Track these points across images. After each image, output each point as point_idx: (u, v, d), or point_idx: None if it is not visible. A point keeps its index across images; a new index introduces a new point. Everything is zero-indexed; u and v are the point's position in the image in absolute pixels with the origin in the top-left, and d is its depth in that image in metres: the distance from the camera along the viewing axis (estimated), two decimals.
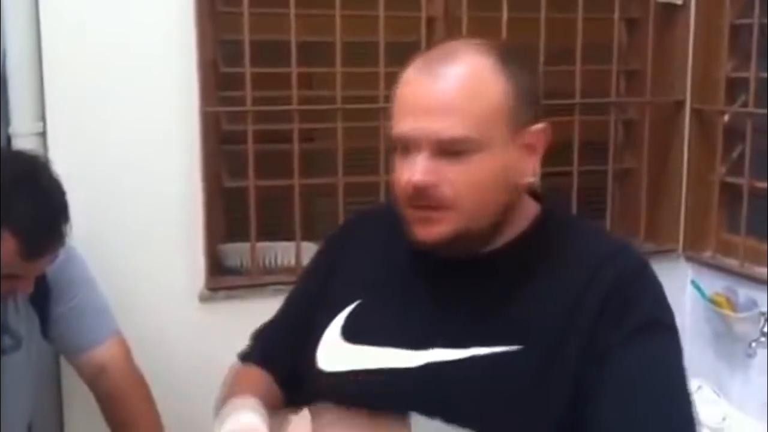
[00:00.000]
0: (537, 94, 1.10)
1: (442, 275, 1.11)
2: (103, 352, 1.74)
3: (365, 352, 1.11)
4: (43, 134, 1.93)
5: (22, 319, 1.64)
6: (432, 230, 1.06)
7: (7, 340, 1.62)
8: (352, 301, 1.16)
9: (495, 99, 1.05)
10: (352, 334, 1.14)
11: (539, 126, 1.09)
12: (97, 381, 1.75)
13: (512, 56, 1.08)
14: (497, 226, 1.09)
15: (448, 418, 1.04)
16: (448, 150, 1.04)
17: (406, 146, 1.06)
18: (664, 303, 1.10)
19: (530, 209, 1.15)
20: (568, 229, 1.15)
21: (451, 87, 1.04)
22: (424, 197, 1.05)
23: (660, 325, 1.08)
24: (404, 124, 1.06)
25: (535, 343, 1.04)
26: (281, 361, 1.27)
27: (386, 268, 1.18)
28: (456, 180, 1.04)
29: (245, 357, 1.35)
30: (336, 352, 1.14)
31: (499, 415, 1.03)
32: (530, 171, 1.09)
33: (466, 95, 1.04)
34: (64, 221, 1.50)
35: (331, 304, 1.18)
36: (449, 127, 1.03)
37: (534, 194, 1.16)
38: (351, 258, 1.24)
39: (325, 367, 1.14)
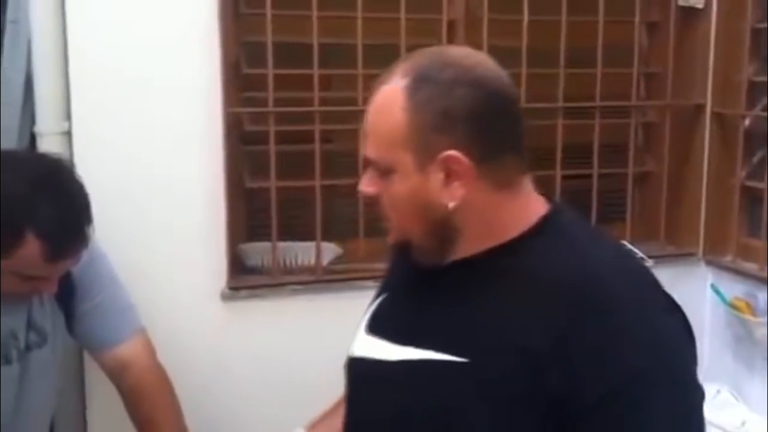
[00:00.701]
0: (456, 118, 1.03)
1: (423, 276, 1.15)
2: (128, 349, 1.76)
3: (372, 343, 1.18)
4: (68, 134, 1.95)
5: (47, 315, 1.66)
6: (389, 234, 1.14)
7: (33, 337, 1.64)
8: (381, 295, 1.25)
9: (397, 126, 1.04)
10: (371, 325, 1.21)
11: (448, 154, 1.03)
12: (121, 377, 1.77)
13: (430, 80, 1.04)
14: (445, 241, 1.09)
15: (393, 415, 1.10)
16: (381, 169, 1.08)
17: None
18: (649, 346, 0.98)
19: (523, 222, 1.09)
20: (555, 247, 1.07)
21: (371, 110, 1.09)
22: (373, 204, 1.11)
23: (643, 379, 0.96)
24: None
25: (481, 359, 1.02)
26: None
27: (402, 266, 1.22)
28: (383, 196, 1.09)
29: None
30: (359, 340, 1.21)
31: (429, 421, 1.06)
32: (452, 197, 1.05)
33: (374, 120, 1.09)
34: (87, 223, 1.52)
35: (375, 298, 1.27)
36: (366, 147, 1.09)
37: (549, 203, 1.13)
38: (399, 257, 1.26)
39: (352, 352, 1.22)
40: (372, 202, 1.11)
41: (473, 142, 1.03)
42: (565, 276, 1.02)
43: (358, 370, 1.21)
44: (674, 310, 1.07)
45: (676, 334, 1.04)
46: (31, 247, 1.44)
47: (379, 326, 1.19)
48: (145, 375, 1.76)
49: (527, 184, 1.11)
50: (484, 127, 1.04)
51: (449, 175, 1.04)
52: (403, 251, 1.18)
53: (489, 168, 1.05)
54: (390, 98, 1.05)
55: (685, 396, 1.00)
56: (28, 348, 1.63)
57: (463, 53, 1.10)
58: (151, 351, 1.80)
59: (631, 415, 0.96)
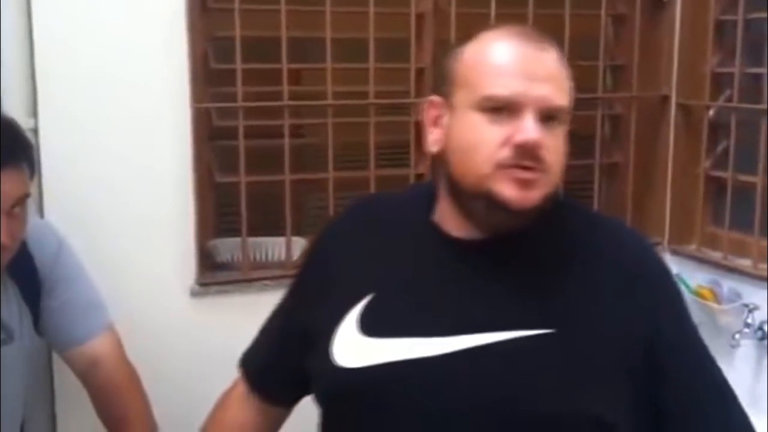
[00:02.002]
0: None
1: (462, 259, 1.13)
2: (96, 346, 1.75)
3: (390, 344, 1.10)
4: (35, 130, 1.93)
5: (14, 312, 1.64)
6: (530, 193, 1.07)
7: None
8: (363, 296, 1.15)
9: (571, 84, 1.13)
10: (372, 327, 1.13)
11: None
12: (89, 375, 1.76)
13: None
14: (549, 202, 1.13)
15: (482, 403, 1.05)
16: (546, 118, 1.08)
17: (505, 108, 1.07)
18: (682, 298, 1.20)
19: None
20: (584, 217, 1.22)
21: (557, 60, 1.10)
22: (533, 157, 1.06)
23: (687, 312, 1.18)
24: (513, 86, 1.07)
25: (566, 327, 1.07)
26: (269, 385, 1.34)
27: (396, 259, 1.18)
28: (551, 147, 1.08)
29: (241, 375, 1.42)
30: (356, 348, 1.13)
31: (533, 397, 1.05)
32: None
33: (565, 73, 1.11)
34: (21, 136, 1.47)
35: (338, 304, 1.17)
36: (558, 96, 1.08)
37: None
38: (350, 259, 1.23)
39: (344, 363, 1.13)
40: (530, 154, 1.06)
41: None
42: (607, 244, 1.15)
43: (393, 376, 1.09)
44: None
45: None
46: None
47: (390, 326, 1.12)
48: (114, 372, 1.75)
49: None
50: None
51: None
52: (369, 246, 1.19)
53: None
54: (563, 59, 1.12)
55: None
56: None
57: None
58: (120, 348, 1.78)
59: (694, 348, 1.16)
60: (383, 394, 1.10)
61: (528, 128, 1.05)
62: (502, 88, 1.07)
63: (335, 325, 1.15)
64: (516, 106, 1.06)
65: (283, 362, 1.31)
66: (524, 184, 1.06)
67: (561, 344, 1.06)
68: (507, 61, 1.09)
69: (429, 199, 1.20)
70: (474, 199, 1.10)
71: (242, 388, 1.40)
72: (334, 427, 1.19)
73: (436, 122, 1.15)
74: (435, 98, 1.16)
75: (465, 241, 1.14)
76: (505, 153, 1.06)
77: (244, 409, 1.39)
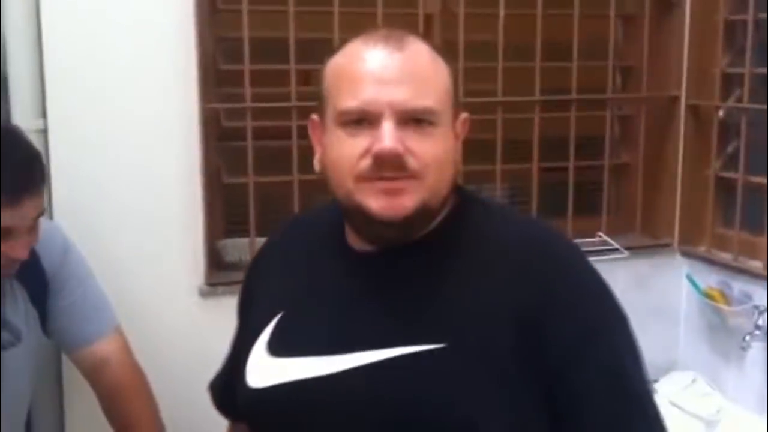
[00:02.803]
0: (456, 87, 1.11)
1: (360, 273, 1.09)
2: (103, 347, 1.75)
3: (289, 364, 1.09)
4: (44, 131, 1.94)
5: (21, 314, 1.65)
6: (397, 202, 1.02)
7: (6, 336, 1.63)
8: (275, 315, 1.14)
9: (447, 79, 1.08)
10: (276, 347, 1.12)
11: (465, 115, 1.12)
12: (96, 376, 1.76)
13: (438, 47, 1.11)
14: (440, 206, 1.09)
15: (372, 423, 1.02)
16: (412, 121, 1.02)
17: (363, 118, 1.03)
18: (604, 287, 1.09)
19: (451, 198, 1.12)
20: (487, 213, 1.14)
21: (417, 59, 1.04)
22: (393, 166, 1.01)
23: (610, 315, 1.08)
24: (363, 95, 1.02)
25: (459, 340, 1.02)
26: (233, 404, 1.28)
27: (305, 276, 1.16)
28: (419, 151, 1.02)
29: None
30: (262, 368, 1.12)
31: (424, 416, 1.01)
32: (459, 157, 1.11)
33: (431, 69, 1.05)
34: (37, 163, 1.49)
35: (256, 323, 1.16)
36: (418, 97, 1.02)
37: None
38: (269, 277, 1.22)
39: (252, 384, 1.12)
40: (388, 163, 1.01)
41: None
42: (513, 242, 1.08)
43: (287, 397, 1.08)
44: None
45: (599, 274, 1.11)
46: None
47: (292, 345, 1.10)
48: (121, 373, 1.76)
49: None
50: None
51: (457, 137, 1.10)
52: (284, 265, 1.17)
53: None
54: (432, 56, 1.06)
55: (628, 325, 1.09)
56: (2, 347, 1.62)
57: None
58: (127, 349, 1.79)
59: (606, 352, 1.05)
60: (281, 413, 1.09)
61: (382, 137, 1.00)
62: (353, 99, 1.03)
63: (251, 344, 1.15)
64: (372, 116, 1.02)
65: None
66: (389, 193, 1.02)
67: (449, 359, 1.01)
68: (358, 70, 1.04)
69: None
70: (350, 213, 1.07)
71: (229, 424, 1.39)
72: None
73: (318, 141, 1.12)
74: (314, 117, 1.14)
75: (362, 254, 1.10)
76: (365, 165, 1.02)
77: None
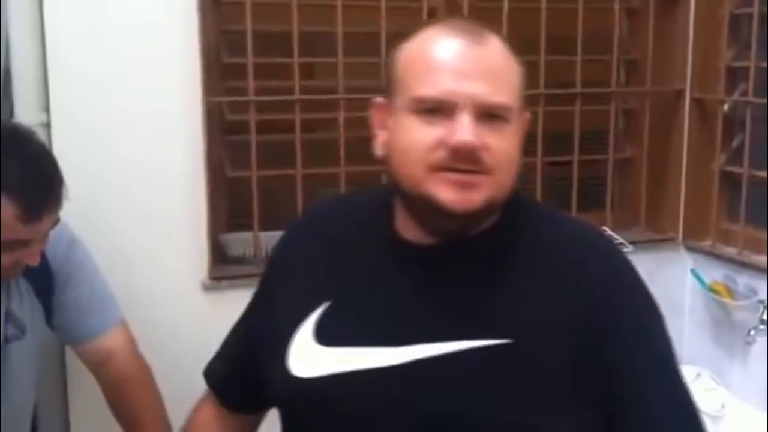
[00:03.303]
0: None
1: (416, 265, 1.09)
2: (108, 341, 1.75)
3: (344, 354, 1.07)
4: (47, 125, 1.93)
5: (26, 308, 1.65)
6: (469, 196, 1.02)
7: (10, 329, 1.63)
8: (320, 304, 1.12)
9: (519, 77, 1.07)
10: (327, 336, 1.10)
11: (528, 114, 1.11)
12: (102, 369, 1.76)
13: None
14: (499, 206, 1.08)
15: (435, 416, 1.01)
16: (487, 116, 1.02)
17: (439, 108, 1.02)
18: (646, 287, 1.12)
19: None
20: (541, 214, 1.16)
21: (495, 55, 1.04)
22: (469, 159, 1.01)
23: (656, 313, 1.10)
24: (441, 84, 1.01)
25: (524, 336, 1.02)
26: (230, 392, 1.32)
27: (354, 265, 1.14)
28: (494, 147, 1.02)
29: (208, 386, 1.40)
30: (311, 357, 1.10)
31: (490, 410, 1.00)
32: (521, 152, 1.10)
33: (508, 66, 1.05)
34: (58, 181, 1.49)
35: (295, 311, 1.14)
36: (496, 92, 1.02)
37: None
38: (304, 264, 1.20)
39: (301, 373, 1.10)
40: (465, 156, 1.00)
41: None
42: (568, 243, 1.10)
43: (345, 386, 1.06)
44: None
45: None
46: (4, 210, 1.40)
47: (345, 335, 1.08)
48: (126, 367, 1.76)
49: None
50: None
51: (523, 131, 1.10)
52: (328, 253, 1.15)
53: None
54: (507, 52, 1.06)
55: (666, 329, 1.12)
56: (6, 341, 1.62)
57: None
58: (132, 342, 1.79)
59: (660, 344, 1.09)
60: (335, 404, 1.07)
61: (461, 129, 1.00)
62: (431, 88, 1.02)
63: (291, 332, 1.12)
64: (449, 106, 1.01)
65: (242, 369, 1.29)
66: (462, 186, 1.02)
67: (516, 354, 1.02)
68: (437, 59, 1.03)
69: (389, 203, 1.15)
70: (416, 203, 1.06)
71: (210, 401, 1.38)
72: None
73: (382, 125, 1.10)
74: (379, 100, 1.12)
75: (419, 247, 1.10)
76: (440, 155, 1.01)
77: (213, 419, 1.36)
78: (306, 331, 1.11)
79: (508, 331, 1.02)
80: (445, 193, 1.02)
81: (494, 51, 1.04)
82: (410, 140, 1.03)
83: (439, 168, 1.02)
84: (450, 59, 1.02)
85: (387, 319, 1.07)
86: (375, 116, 1.12)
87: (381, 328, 1.07)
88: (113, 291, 1.79)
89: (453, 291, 1.07)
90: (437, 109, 1.02)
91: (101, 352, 1.75)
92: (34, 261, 1.53)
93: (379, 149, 1.11)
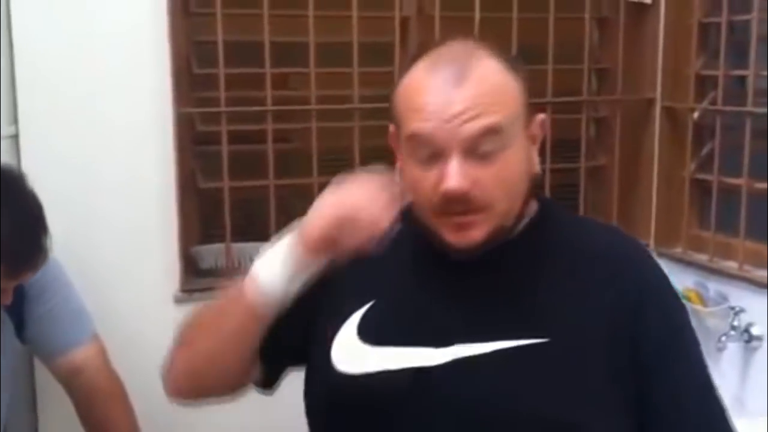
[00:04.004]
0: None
1: (457, 270, 1.11)
2: (80, 354, 1.74)
3: (386, 353, 1.10)
4: (15, 137, 1.91)
5: None
6: (467, 235, 1.06)
7: None
8: (364, 303, 1.15)
9: (514, 95, 1.08)
10: (371, 335, 1.12)
11: (541, 117, 1.13)
12: (73, 383, 1.75)
13: (508, 55, 1.12)
14: (520, 216, 1.12)
15: (476, 415, 1.04)
16: (477, 152, 1.03)
17: (431, 151, 1.04)
18: (672, 286, 1.18)
19: (532, 201, 1.16)
20: (568, 219, 1.22)
21: (477, 88, 1.04)
22: (460, 202, 1.04)
23: (684, 311, 1.17)
24: (428, 127, 1.04)
25: (560, 336, 1.06)
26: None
27: (398, 267, 1.16)
28: (488, 182, 1.04)
29: None
30: (355, 354, 1.12)
31: (529, 408, 1.04)
32: (535, 160, 1.12)
33: (493, 95, 1.05)
34: (45, 236, 1.50)
35: (336, 309, 1.16)
36: (486, 119, 1.03)
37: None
38: (353, 264, 1.18)
39: (345, 369, 1.12)
40: (455, 200, 1.03)
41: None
42: (599, 247, 1.15)
43: (389, 384, 1.09)
44: None
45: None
46: None
47: (388, 334, 1.11)
48: (98, 380, 1.75)
49: None
50: None
51: (532, 140, 1.11)
52: (394, 250, 1.13)
53: None
54: (500, 76, 1.07)
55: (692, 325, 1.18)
56: None
57: None
58: (104, 356, 1.78)
59: (690, 344, 1.14)
60: (377, 401, 1.09)
61: (447, 176, 1.03)
62: (418, 132, 1.05)
63: (336, 329, 1.14)
64: (438, 150, 1.04)
65: (278, 335, 1.22)
66: (460, 227, 1.06)
67: (552, 353, 1.05)
68: (422, 102, 1.05)
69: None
70: (432, 235, 1.10)
71: None
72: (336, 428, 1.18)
73: (398, 151, 1.14)
74: (392, 128, 1.15)
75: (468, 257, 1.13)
76: (436, 200, 1.05)
77: None
78: (350, 328, 1.13)
79: (544, 330, 1.06)
80: (448, 234, 1.07)
81: (480, 81, 1.05)
82: (412, 183, 1.08)
83: (439, 213, 1.06)
84: (434, 102, 1.04)
85: (427, 320, 1.11)
86: (392, 142, 1.16)
87: (421, 328, 1.10)
88: (85, 305, 1.77)
89: (489, 293, 1.10)
90: (430, 153, 1.05)
91: (72, 366, 1.74)
92: (7, 301, 1.53)
93: (396, 175, 1.14)
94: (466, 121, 1.03)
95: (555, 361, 1.05)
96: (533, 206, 1.16)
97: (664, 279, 1.16)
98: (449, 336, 1.07)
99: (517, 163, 1.07)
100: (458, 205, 1.04)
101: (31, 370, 1.99)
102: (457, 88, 1.04)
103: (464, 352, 1.06)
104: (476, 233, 1.06)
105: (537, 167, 1.13)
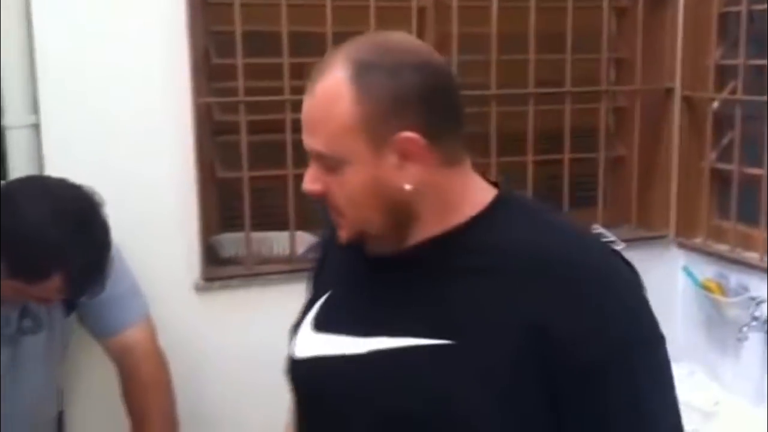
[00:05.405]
0: (407, 100, 1.03)
1: (385, 266, 1.12)
2: (131, 335, 1.80)
3: (325, 340, 1.14)
4: (36, 126, 1.93)
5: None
6: (340, 232, 1.11)
7: (26, 323, 1.66)
8: (325, 293, 1.20)
9: (347, 116, 1.02)
10: (318, 322, 1.17)
11: (405, 135, 1.02)
12: (121, 363, 1.81)
13: (374, 65, 1.03)
14: (403, 226, 1.09)
15: (381, 408, 1.06)
16: (323, 163, 1.06)
17: None
18: (631, 306, 1.05)
19: (476, 199, 1.10)
20: (520, 218, 1.11)
21: (313, 105, 1.05)
22: (327, 204, 1.08)
23: (632, 343, 1.03)
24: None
25: (467, 338, 1.03)
26: None
27: (352, 260, 1.18)
28: (335, 191, 1.06)
29: None
30: (305, 340, 1.17)
31: (427, 407, 1.03)
32: (409, 178, 1.05)
33: (321, 114, 1.04)
34: (108, 266, 1.57)
35: (310, 299, 1.23)
36: (313, 143, 1.05)
37: (495, 184, 1.14)
38: (329, 253, 1.26)
39: (296, 354, 1.18)
40: (319, 198, 1.07)
41: (425, 122, 1.03)
42: (534, 252, 1.05)
43: (319, 369, 1.14)
44: (631, 271, 1.09)
45: (639, 295, 1.07)
46: (54, 284, 1.48)
47: (331, 323, 1.16)
48: (143, 364, 1.80)
49: (470, 164, 1.12)
50: (435, 106, 1.05)
51: (404, 157, 1.04)
52: (339, 246, 1.16)
53: (441, 146, 1.05)
54: (335, 91, 1.03)
55: (658, 350, 1.06)
56: (22, 332, 1.63)
57: (399, 38, 1.09)
58: (154, 341, 1.84)
59: (620, 379, 1.01)
60: (310, 383, 1.16)
61: (305, 178, 1.08)
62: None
63: (303, 316, 1.20)
64: None
65: None
66: (335, 223, 1.11)
67: (453, 356, 1.03)
68: None
69: None
70: None
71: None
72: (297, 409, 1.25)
73: None
74: None
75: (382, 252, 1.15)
76: None
77: None
78: (310, 316, 1.19)
79: (451, 333, 1.04)
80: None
81: (316, 102, 1.05)
82: None
83: None
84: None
85: (360, 311, 1.13)
86: None
87: (354, 319, 1.13)
88: (139, 285, 1.83)
89: (410, 290, 1.10)
90: None
91: (123, 346, 1.80)
92: (50, 305, 1.65)
93: None
94: (307, 135, 1.06)
95: (454, 364, 1.03)
96: (475, 206, 1.10)
97: (604, 292, 1.03)
98: (373, 328, 1.09)
99: (359, 182, 1.04)
100: (328, 205, 1.08)
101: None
102: (307, 101, 1.06)
103: (382, 344, 1.08)
104: (342, 232, 1.10)
105: (409, 186, 1.04)
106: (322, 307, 1.18)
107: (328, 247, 1.29)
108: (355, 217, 1.07)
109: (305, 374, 1.17)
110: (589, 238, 1.16)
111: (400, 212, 1.07)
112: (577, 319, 1.00)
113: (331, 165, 1.04)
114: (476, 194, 1.11)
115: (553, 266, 1.04)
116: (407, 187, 1.05)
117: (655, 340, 1.06)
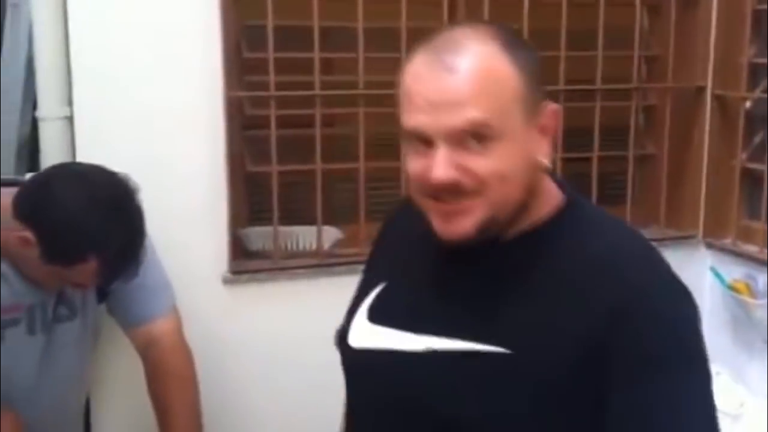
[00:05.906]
0: (540, 75, 1.06)
1: (450, 262, 1.10)
2: (157, 327, 1.81)
3: (381, 333, 1.14)
4: (69, 119, 1.95)
5: (78, 291, 1.69)
6: (458, 224, 1.04)
7: (62, 310, 1.68)
8: (380, 284, 1.20)
9: (508, 86, 1.02)
10: (374, 314, 1.18)
11: (552, 107, 1.07)
12: (146, 354, 1.82)
13: (515, 39, 1.06)
14: (522, 210, 1.07)
15: (433, 409, 1.05)
16: (466, 142, 1.01)
17: (422, 140, 1.03)
18: (679, 322, 1.04)
19: (552, 199, 1.11)
20: (588, 223, 1.11)
21: (465, 79, 1.01)
22: (448, 191, 1.02)
23: (680, 358, 1.02)
24: (419, 118, 1.02)
25: (527, 349, 1.02)
26: None
27: (410, 252, 1.19)
28: (477, 169, 1.01)
29: None
30: (361, 330, 1.18)
31: (480, 414, 1.02)
32: (544, 152, 1.06)
33: (481, 86, 1.01)
34: (143, 255, 1.59)
35: (367, 286, 1.23)
36: (467, 117, 1.00)
37: (560, 184, 1.14)
38: (388, 243, 1.28)
39: (353, 343, 1.18)
40: (441, 190, 1.02)
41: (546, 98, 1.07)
42: (607, 261, 1.05)
43: (373, 362, 1.14)
44: (686, 290, 1.08)
45: (693, 314, 1.06)
46: (90, 267, 1.51)
47: (389, 315, 1.15)
48: (168, 356, 1.81)
49: None
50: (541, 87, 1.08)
51: (543, 131, 1.06)
52: (401, 236, 1.17)
53: None
54: (495, 63, 1.02)
55: (704, 373, 1.04)
56: (57, 320, 1.66)
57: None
58: (180, 334, 1.85)
59: (664, 392, 0.99)
60: (366, 374, 1.16)
61: (435, 166, 1.01)
62: (411, 122, 1.03)
63: (357, 307, 1.21)
64: (427, 138, 1.02)
65: None
66: (448, 215, 1.04)
67: (512, 366, 1.02)
68: (412, 90, 1.03)
69: None
70: (428, 220, 1.09)
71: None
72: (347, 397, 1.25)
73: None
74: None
75: (460, 247, 1.09)
76: (426, 187, 1.04)
77: None
78: (365, 306, 1.19)
79: (511, 342, 1.02)
80: (437, 222, 1.06)
81: (469, 71, 1.01)
82: (408, 169, 1.08)
83: (429, 197, 1.06)
84: (423, 90, 1.02)
85: (420, 306, 1.12)
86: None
87: (412, 313, 1.12)
88: (168, 277, 1.85)
89: (474, 291, 1.08)
90: (423, 140, 1.03)
91: (149, 337, 1.81)
92: (85, 290, 1.67)
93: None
94: (450, 112, 1.00)
95: (511, 375, 1.02)
96: (550, 204, 1.11)
97: (657, 305, 1.03)
98: (429, 326, 1.08)
99: (511, 156, 1.02)
100: (445, 194, 1.03)
101: None
102: (445, 78, 1.01)
103: (438, 344, 1.07)
104: (465, 222, 1.04)
105: (546, 161, 1.06)
106: (379, 297, 1.18)
107: (387, 235, 1.30)
108: (498, 195, 1.03)
109: (359, 366, 1.18)
110: (653, 252, 1.12)
111: (528, 192, 1.06)
112: (629, 334, 0.99)
113: (481, 139, 1.01)
114: (551, 192, 1.12)
115: (619, 278, 1.03)
116: (546, 162, 1.06)
117: (700, 360, 1.04)
